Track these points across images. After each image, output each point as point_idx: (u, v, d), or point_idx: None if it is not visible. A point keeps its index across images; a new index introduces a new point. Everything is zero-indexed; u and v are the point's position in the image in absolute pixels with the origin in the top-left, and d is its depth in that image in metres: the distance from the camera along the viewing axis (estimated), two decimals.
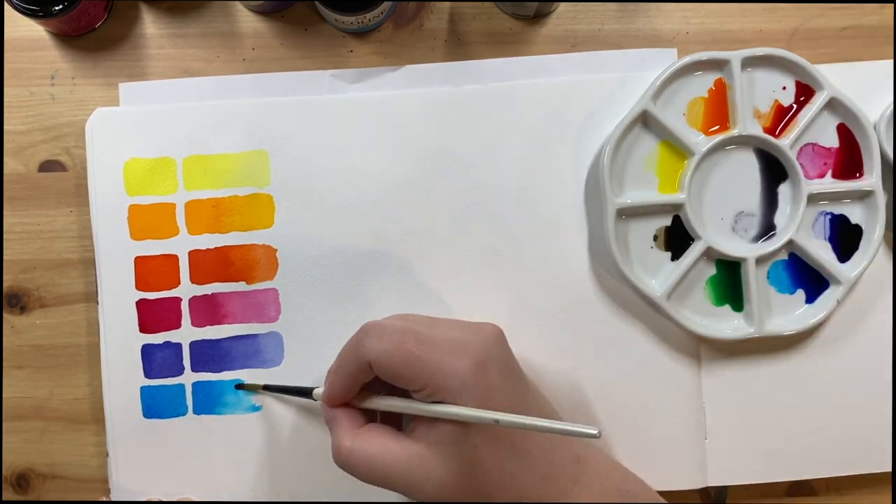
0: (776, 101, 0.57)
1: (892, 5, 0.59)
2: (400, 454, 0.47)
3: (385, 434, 0.48)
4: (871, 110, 0.57)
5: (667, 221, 0.57)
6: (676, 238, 0.56)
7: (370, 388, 0.50)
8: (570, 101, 0.57)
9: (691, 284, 0.57)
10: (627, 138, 0.56)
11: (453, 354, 0.46)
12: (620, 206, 0.55)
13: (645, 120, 0.56)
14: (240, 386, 0.56)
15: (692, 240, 0.56)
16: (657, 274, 0.56)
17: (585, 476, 0.49)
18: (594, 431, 0.41)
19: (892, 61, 0.58)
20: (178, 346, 0.56)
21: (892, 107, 0.56)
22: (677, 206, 0.56)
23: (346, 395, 0.49)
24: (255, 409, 0.56)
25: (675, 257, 0.56)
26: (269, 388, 0.56)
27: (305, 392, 0.54)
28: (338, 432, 0.49)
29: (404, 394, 0.48)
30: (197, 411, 0.56)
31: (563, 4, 0.58)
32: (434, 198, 0.57)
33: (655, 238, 0.57)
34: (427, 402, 0.47)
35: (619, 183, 0.56)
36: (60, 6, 0.53)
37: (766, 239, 0.56)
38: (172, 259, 0.56)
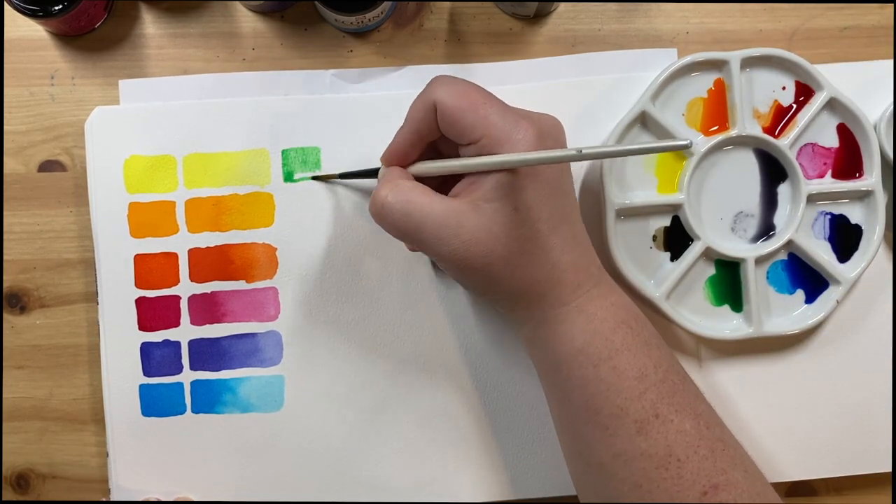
0: (776, 101, 0.57)
1: (892, 5, 0.59)
2: (438, 206, 0.46)
3: (427, 189, 0.47)
4: (871, 110, 0.57)
5: (666, 222, 0.57)
6: (675, 238, 0.56)
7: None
8: (570, 101, 0.57)
9: (690, 285, 0.57)
10: (626, 139, 0.56)
11: (516, 116, 0.46)
12: (620, 206, 0.55)
13: (644, 120, 0.56)
14: (316, 177, 0.57)
15: (691, 240, 0.56)
16: (656, 274, 0.56)
17: (605, 284, 0.49)
18: (686, 142, 0.41)
19: (892, 61, 0.58)
20: (178, 345, 0.56)
21: (892, 107, 0.56)
22: (676, 207, 0.56)
23: (406, 151, 0.49)
24: (253, 408, 0.56)
25: (674, 257, 0.56)
26: (344, 176, 0.56)
27: (375, 172, 0.53)
28: (383, 183, 0.48)
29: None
30: (195, 410, 0.56)
31: (563, 4, 0.58)
32: None
33: (654, 238, 0.57)
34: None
35: (618, 183, 0.56)
36: (60, 6, 0.53)
37: (766, 239, 0.56)
38: (172, 257, 0.56)
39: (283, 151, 0.57)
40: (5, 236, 0.57)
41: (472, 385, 0.57)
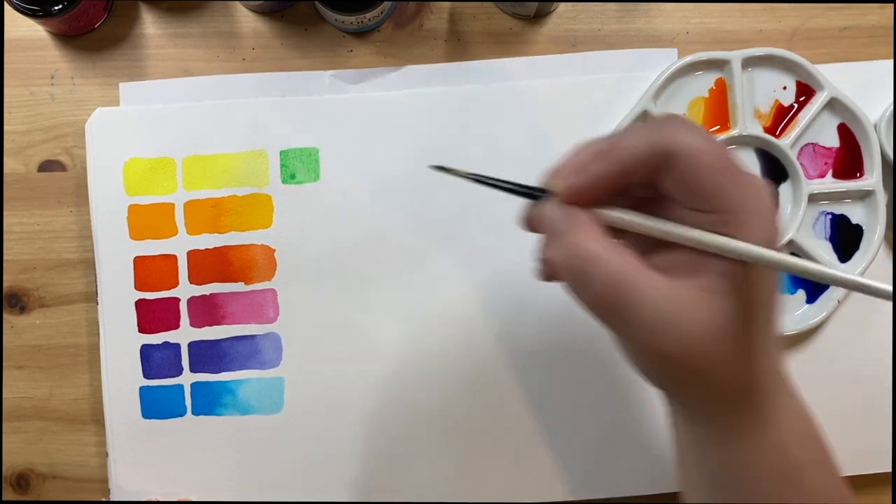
0: (776, 101, 0.56)
1: (892, 5, 0.59)
2: (660, 286, 0.37)
3: (639, 260, 0.38)
4: (871, 110, 0.57)
5: None
6: None
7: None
8: (570, 101, 0.57)
9: None
10: None
11: (759, 192, 0.38)
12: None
13: (645, 120, 0.56)
14: (438, 167, 0.43)
15: None
16: None
17: (788, 384, 0.43)
18: (889, 288, 0.35)
19: (892, 61, 0.58)
20: (177, 347, 0.56)
21: (892, 107, 0.56)
22: None
23: (599, 191, 0.39)
24: (253, 410, 0.56)
25: None
26: (479, 180, 0.42)
27: (529, 192, 0.41)
28: (578, 231, 0.38)
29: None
30: (195, 412, 0.56)
31: (563, 4, 0.58)
32: (435, 198, 0.57)
33: None
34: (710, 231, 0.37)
35: None
36: (60, 6, 0.53)
37: None
38: (171, 259, 0.56)
39: (282, 152, 0.57)
40: (5, 236, 0.57)
41: (473, 387, 0.57)
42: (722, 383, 0.39)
